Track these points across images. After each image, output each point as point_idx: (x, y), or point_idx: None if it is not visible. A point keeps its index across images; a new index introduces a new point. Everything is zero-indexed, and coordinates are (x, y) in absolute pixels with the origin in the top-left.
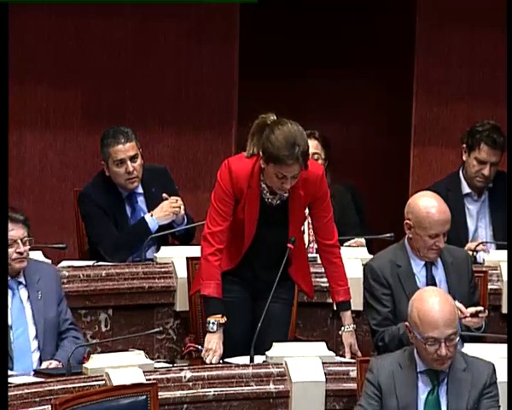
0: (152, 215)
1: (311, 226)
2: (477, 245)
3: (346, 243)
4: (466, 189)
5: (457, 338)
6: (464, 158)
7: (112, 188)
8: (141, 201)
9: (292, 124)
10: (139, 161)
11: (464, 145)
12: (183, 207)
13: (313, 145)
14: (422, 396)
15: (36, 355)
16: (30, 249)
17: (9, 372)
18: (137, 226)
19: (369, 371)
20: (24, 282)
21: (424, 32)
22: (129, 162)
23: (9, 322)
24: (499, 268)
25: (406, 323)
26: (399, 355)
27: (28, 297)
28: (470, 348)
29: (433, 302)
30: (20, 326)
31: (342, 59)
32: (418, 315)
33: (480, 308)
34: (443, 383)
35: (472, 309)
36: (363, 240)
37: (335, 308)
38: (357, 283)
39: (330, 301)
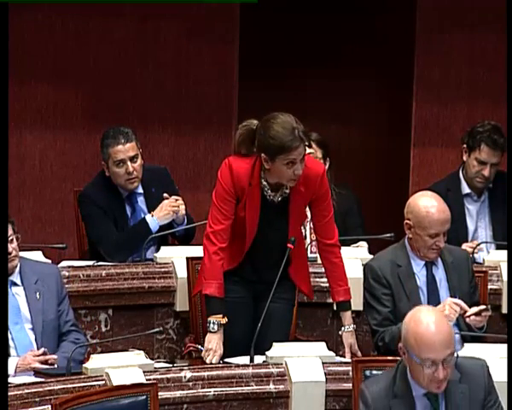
0: (152, 216)
1: (311, 226)
2: (477, 245)
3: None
4: (466, 189)
5: (454, 359)
6: (464, 158)
7: (112, 188)
8: (141, 201)
9: (282, 114)
10: (139, 161)
11: (464, 146)
12: (183, 206)
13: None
14: None
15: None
16: (30, 250)
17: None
18: (138, 227)
19: (364, 404)
20: (19, 282)
21: (424, 32)
22: (129, 163)
23: None
24: (499, 268)
25: (400, 344)
26: (392, 383)
27: (26, 298)
28: (470, 348)
29: (428, 323)
30: (17, 323)
31: (342, 59)
32: (414, 337)
33: (484, 307)
34: (442, 403)
35: (475, 309)
36: (365, 244)
37: (335, 308)
38: (357, 283)
39: (330, 301)
